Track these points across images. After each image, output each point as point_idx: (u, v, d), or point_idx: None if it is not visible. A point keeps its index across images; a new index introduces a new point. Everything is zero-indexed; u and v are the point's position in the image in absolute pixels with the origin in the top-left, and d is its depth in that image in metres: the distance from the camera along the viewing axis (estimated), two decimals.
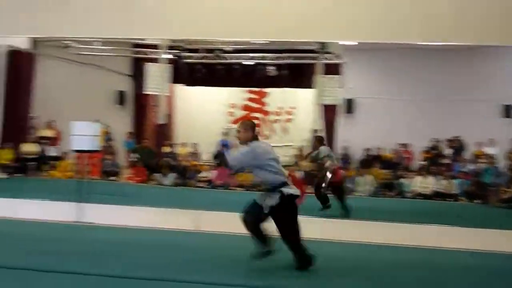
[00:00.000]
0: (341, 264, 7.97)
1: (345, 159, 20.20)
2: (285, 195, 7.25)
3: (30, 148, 20.32)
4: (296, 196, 7.36)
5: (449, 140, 20.50)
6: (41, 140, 20.87)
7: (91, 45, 20.99)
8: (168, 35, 14.03)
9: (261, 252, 7.33)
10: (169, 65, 20.97)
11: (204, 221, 10.57)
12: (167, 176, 19.00)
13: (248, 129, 7.45)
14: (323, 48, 19.94)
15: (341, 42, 18.29)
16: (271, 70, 21.60)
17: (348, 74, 20.44)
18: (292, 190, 7.35)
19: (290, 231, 7.30)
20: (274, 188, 7.31)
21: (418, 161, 20.51)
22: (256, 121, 22.13)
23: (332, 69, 20.26)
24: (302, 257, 7.34)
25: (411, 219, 12.14)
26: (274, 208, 7.21)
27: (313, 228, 8.49)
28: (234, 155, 7.38)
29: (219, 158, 7.60)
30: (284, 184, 7.35)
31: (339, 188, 13.01)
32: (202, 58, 21.51)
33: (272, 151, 7.56)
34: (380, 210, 14.50)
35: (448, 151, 20.40)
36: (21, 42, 20.37)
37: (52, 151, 20.73)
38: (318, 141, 13.69)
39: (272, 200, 7.24)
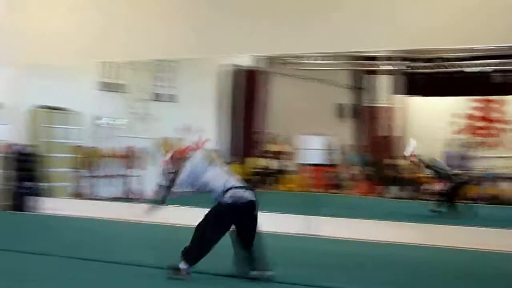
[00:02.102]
0: None
1: None
2: (222, 204, 6.69)
3: (264, 163, 21.07)
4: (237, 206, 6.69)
5: None
6: (267, 154, 21.57)
7: (312, 59, 21.34)
8: (394, 46, 13.76)
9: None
10: (391, 76, 20.77)
11: (435, 235, 10.31)
12: (392, 189, 18.78)
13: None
14: None
15: None
16: (498, 77, 20.58)
17: None
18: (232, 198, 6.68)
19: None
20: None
21: None
22: (481, 131, 21.53)
23: None
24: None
25: None
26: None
27: None
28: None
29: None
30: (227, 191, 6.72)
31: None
32: (424, 67, 21.04)
33: (209, 161, 6.97)
34: None
35: None
36: (245, 61, 21.22)
37: (280, 165, 21.34)
38: None
39: None
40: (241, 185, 6.89)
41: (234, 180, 6.91)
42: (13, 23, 14.24)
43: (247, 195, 6.80)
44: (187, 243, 6.78)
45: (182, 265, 6.70)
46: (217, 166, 7.04)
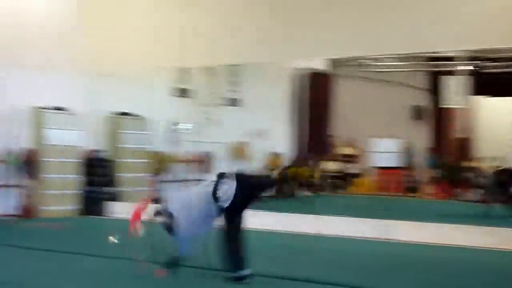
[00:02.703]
0: None
1: None
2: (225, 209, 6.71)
3: (331, 166, 20.92)
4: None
5: None
6: (343, 158, 21.39)
7: (385, 61, 21.04)
8: (467, 46, 13.40)
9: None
10: (468, 76, 20.24)
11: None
12: (472, 192, 18.26)
13: None
14: None
15: None
16: None
17: None
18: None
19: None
20: None
21: None
22: None
23: None
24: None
25: None
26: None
27: None
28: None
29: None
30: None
31: None
32: (505, 67, 20.39)
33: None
34: None
35: None
36: (315, 64, 21.10)
37: (352, 168, 21.14)
38: None
39: None
40: (220, 182, 6.80)
41: (210, 185, 6.87)
42: (86, 31, 14.52)
43: (232, 184, 6.73)
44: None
45: (245, 272, 6.68)
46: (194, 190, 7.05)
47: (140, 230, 7.01)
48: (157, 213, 7.00)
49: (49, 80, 13.90)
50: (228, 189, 6.68)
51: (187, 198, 6.90)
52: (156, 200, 7.19)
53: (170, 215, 6.77)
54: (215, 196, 6.69)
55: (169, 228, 6.79)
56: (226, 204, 6.66)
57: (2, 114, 13.06)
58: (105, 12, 14.70)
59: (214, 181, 6.84)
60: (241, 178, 6.82)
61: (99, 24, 14.61)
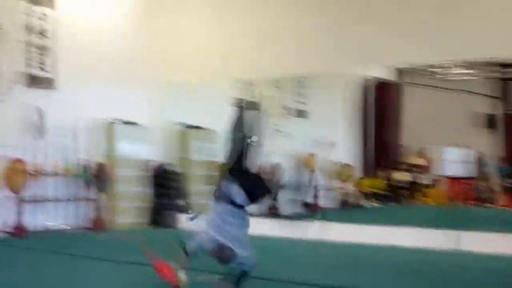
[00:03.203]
0: None
1: None
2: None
3: (401, 176, 20.62)
4: None
5: None
6: (411, 168, 21.06)
7: (452, 69, 20.66)
8: None
9: None
10: None
11: None
12: None
13: None
14: None
15: None
16: None
17: None
18: None
19: None
20: None
21: None
22: None
23: None
24: None
25: None
26: None
27: None
28: None
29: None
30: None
31: None
32: None
33: None
34: None
35: None
36: (377, 72, 20.85)
37: (423, 179, 20.78)
38: None
39: None
40: (227, 190, 6.86)
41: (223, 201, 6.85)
42: (150, 43, 14.77)
43: (234, 185, 6.87)
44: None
45: None
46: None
47: (182, 278, 6.83)
48: (189, 253, 6.90)
49: (119, 94, 14.16)
50: (237, 192, 6.78)
51: (216, 222, 6.69)
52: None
53: (219, 247, 6.48)
54: (235, 205, 6.70)
55: (225, 259, 6.53)
56: (247, 203, 6.77)
57: (73, 128, 13.35)
58: (173, 25, 14.94)
59: (220, 197, 6.84)
60: (234, 174, 7.05)
61: (167, 38, 14.86)
